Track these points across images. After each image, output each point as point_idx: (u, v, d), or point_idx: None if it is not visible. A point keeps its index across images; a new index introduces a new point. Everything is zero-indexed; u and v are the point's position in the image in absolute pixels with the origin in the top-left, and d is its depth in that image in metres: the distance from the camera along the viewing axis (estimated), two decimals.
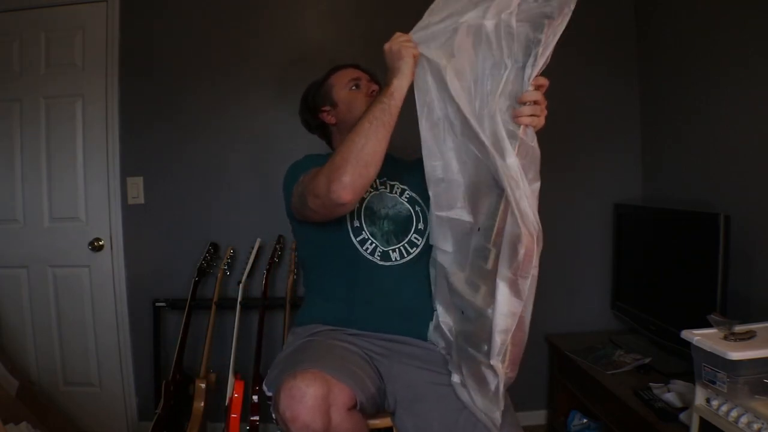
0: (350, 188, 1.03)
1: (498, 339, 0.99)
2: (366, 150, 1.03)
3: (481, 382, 1.05)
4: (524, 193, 0.97)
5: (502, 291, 0.98)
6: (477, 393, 1.07)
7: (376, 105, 1.07)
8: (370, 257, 1.27)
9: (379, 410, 1.19)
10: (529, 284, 0.98)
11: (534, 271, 0.98)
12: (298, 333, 1.29)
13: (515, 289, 0.98)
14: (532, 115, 0.98)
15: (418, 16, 1.12)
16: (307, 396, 0.93)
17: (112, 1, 2.24)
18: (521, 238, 0.96)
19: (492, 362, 1.00)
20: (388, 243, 1.29)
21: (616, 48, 2.34)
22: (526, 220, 0.96)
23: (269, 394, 1.12)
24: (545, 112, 1.02)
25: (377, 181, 1.34)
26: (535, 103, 0.99)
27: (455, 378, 1.14)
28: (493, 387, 1.03)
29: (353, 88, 1.40)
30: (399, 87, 1.07)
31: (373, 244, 1.28)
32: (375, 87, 1.39)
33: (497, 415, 1.03)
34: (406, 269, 1.28)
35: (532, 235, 0.96)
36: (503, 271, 0.99)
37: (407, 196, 1.36)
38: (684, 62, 2.03)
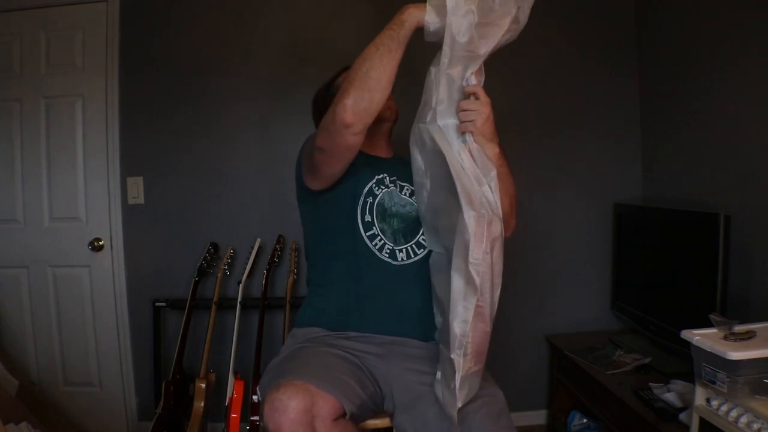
0: (351, 110, 1.03)
1: (457, 330, 0.98)
2: (370, 75, 1.02)
3: (449, 377, 1.04)
4: (470, 177, 1.01)
5: (456, 280, 0.98)
6: (445, 388, 1.06)
7: (385, 32, 1.04)
8: (378, 253, 1.27)
9: (378, 413, 1.19)
10: (482, 271, 0.96)
11: (487, 257, 0.96)
12: (297, 335, 1.29)
13: (468, 278, 0.96)
14: (464, 122, 1.06)
15: None
16: (289, 409, 0.94)
17: (112, 1, 2.24)
18: (470, 222, 0.96)
19: (452, 356, 0.99)
20: (396, 242, 1.29)
21: (616, 48, 2.34)
22: (475, 204, 0.96)
23: (260, 400, 1.13)
24: (481, 115, 1.06)
25: (388, 179, 1.33)
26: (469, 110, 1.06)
27: (438, 375, 1.13)
28: (453, 382, 1.01)
29: None
30: (411, 16, 1.02)
31: (382, 241, 1.28)
32: None
33: (454, 412, 1.02)
34: (411, 270, 1.28)
35: (481, 219, 0.96)
36: (456, 260, 0.99)
37: None
38: (684, 62, 2.03)
